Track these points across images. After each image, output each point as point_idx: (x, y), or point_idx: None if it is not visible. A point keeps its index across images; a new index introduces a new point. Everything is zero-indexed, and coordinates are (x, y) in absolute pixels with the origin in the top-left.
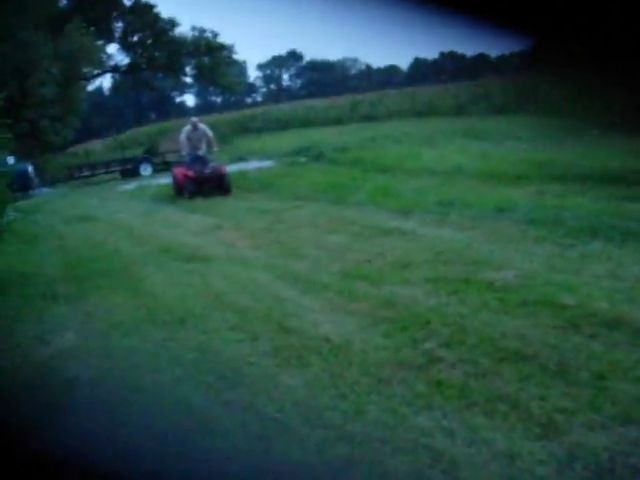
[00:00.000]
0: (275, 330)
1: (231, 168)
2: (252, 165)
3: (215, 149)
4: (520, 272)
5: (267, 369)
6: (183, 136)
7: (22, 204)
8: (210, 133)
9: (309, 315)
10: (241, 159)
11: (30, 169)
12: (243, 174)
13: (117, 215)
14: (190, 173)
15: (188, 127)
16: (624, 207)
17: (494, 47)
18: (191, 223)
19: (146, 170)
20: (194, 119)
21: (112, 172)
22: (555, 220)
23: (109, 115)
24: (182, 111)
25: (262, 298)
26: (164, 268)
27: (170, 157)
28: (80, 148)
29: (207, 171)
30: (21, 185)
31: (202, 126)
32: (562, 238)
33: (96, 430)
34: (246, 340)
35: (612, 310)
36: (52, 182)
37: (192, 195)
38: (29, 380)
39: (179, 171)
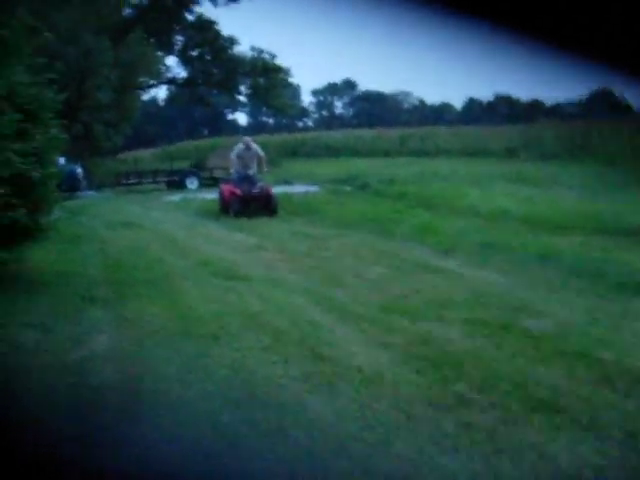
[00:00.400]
0: (308, 355)
1: (277, 190)
2: (298, 189)
3: (265, 170)
4: (559, 322)
5: (297, 393)
6: (234, 154)
7: (68, 204)
8: (262, 153)
9: (343, 344)
10: (287, 182)
11: (79, 171)
12: (288, 197)
13: (160, 225)
14: (237, 191)
15: (240, 145)
16: None
17: (550, 92)
18: (234, 240)
19: (192, 183)
20: (247, 138)
21: (159, 182)
22: (598, 273)
23: (161, 126)
24: (233, 129)
25: (298, 322)
26: (203, 282)
27: (217, 173)
28: (129, 155)
29: (255, 190)
30: (69, 186)
31: (254, 146)
32: (604, 292)
33: (119, 438)
34: (279, 362)
35: None
36: (99, 186)
37: (237, 214)
38: (58, 380)
39: (226, 188)
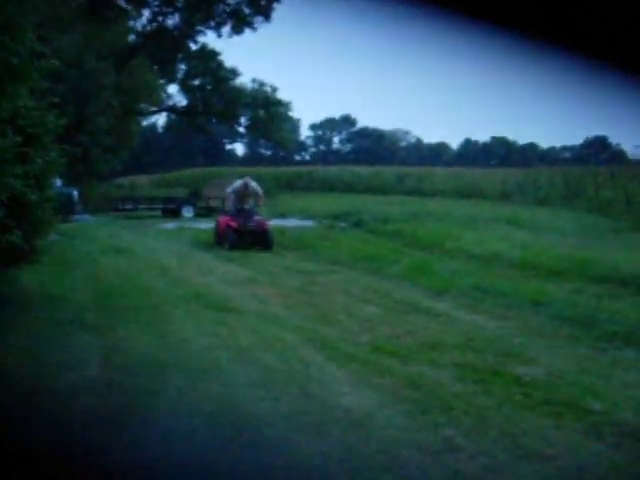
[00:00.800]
0: (297, 394)
1: (271, 223)
2: (292, 223)
3: (261, 204)
4: (549, 370)
5: (285, 432)
6: (231, 190)
7: (63, 228)
8: (260, 192)
9: (332, 384)
10: (282, 215)
11: (75, 194)
12: (282, 231)
13: (154, 253)
14: (233, 223)
15: (239, 184)
16: None
17: (546, 137)
18: (226, 273)
19: (188, 212)
20: (247, 179)
21: (154, 209)
22: (590, 321)
23: (159, 152)
24: (231, 159)
25: (288, 359)
26: (194, 313)
27: (213, 202)
28: (126, 180)
29: (251, 224)
30: (65, 209)
31: (253, 185)
32: (595, 341)
33: (100, 470)
34: (267, 399)
35: (637, 422)
36: (94, 210)
37: (232, 246)
38: (43, 407)
39: (222, 220)
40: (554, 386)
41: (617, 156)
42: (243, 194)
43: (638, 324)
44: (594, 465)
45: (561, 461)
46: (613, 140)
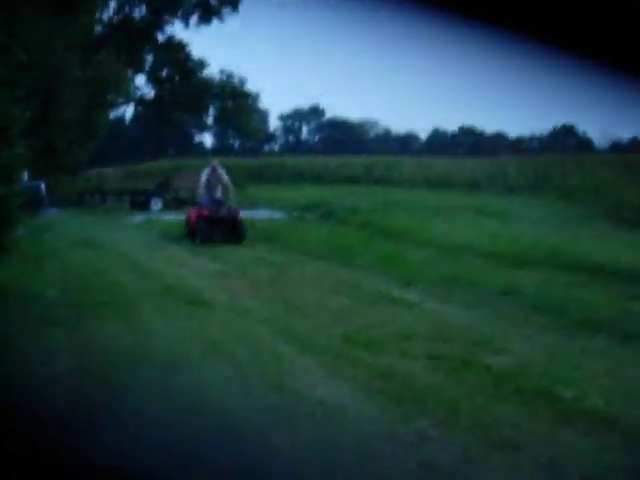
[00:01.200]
0: (269, 387)
1: (241, 215)
2: (262, 214)
3: (231, 196)
4: (519, 359)
5: (258, 426)
6: (204, 178)
7: (31, 222)
8: (226, 178)
9: (305, 376)
10: (252, 207)
11: (42, 187)
12: (252, 223)
13: (123, 246)
14: (205, 212)
15: (207, 169)
16: (631, 306)
17: (513, 125)
18: (196, 265)
19: (156, 204)
20: (214, 164)
21: (122, 201)
22: (560, 309)
23: (127, 144)
24: (200, 150)
25: (259, 352)
26: (165, 307)
27: (182, 194)
28: (93, 172)
29: (222, 212)
30: (32, 203)
31: (221, 171)
32: (565, 329)
33: (71, 465)
34: (239, 394)
35: (607, 410)
36: (62, 203)
37: (204, 239)
38: (14, 403)
39: (193, 212)
40: (525, 375)
41: (585, 144)
42: (212, 183)
43: (608, 312)
44: (564, 454)
45: (533, 450)
46: (580, 128)
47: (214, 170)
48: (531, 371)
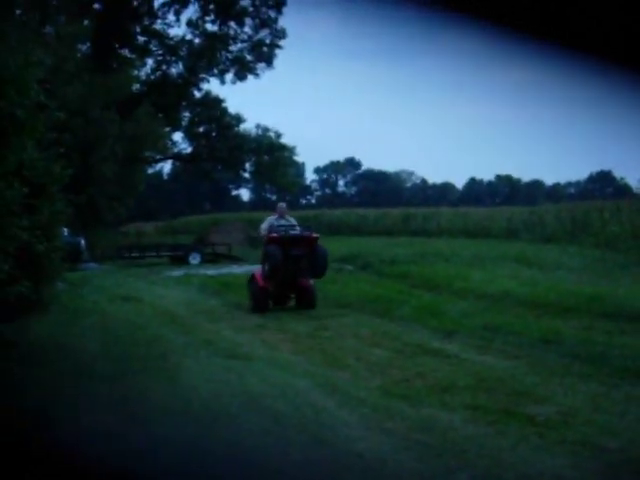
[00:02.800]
0: (309, 440)
1: None
2: None
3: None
4: (562, 408)
5: None
6: (265, 226)
7: (70, 276)
8: (295, 223)
9: (344, 429)
10: None
11: (82, 242)
12: None
13: (162, 300)
14: (274, 235)
15: (273, 218)
16: None
17: (549, 173)
18: (234, 318)
19: (195, 259)
20: (282, 206)
21: (161, 256)
22: (601, 357)
23: (165, 199)
24: (237, 204)
25: (299, 405)
26: (204, 361)
27: (219, 249)
28: (132, 227)
29: (294, 233)
30: (72, 258)
31: (291, 219)
32: (607, 377)
33: None
34: (279, 447)
35: None
36: (101, 258)
37: (275, 267)
38: (56, 457)
39: (257, 272)
40: (568, 425)
41: (622, 190)
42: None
43: None
44: None
45: None
46: (617, 174)
47: (281, 215)
48: (575, 421)
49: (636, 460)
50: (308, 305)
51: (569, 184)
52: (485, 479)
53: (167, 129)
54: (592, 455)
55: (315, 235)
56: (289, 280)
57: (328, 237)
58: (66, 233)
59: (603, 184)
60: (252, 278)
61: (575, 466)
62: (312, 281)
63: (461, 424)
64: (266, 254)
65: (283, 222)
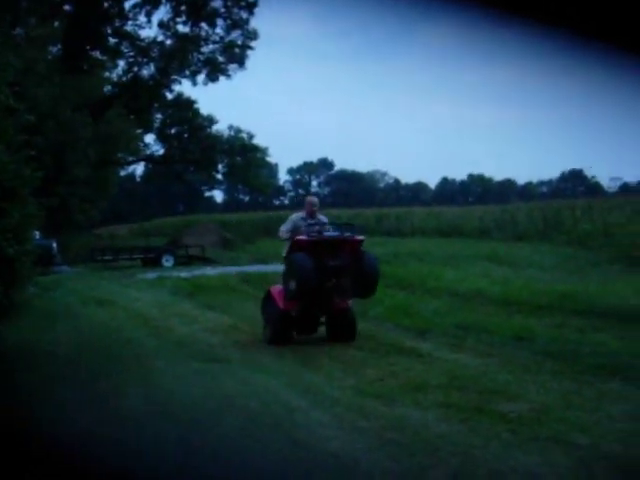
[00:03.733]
0: (284, 441)
1: (252, 269)
2: (273, 268)
3: None
4: (534, 406)
5: None
6: (287, 227)
7: (43, 280)
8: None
9: (318, 429)
10: (262, 261)
11: (54, 246)
12: (263, 276)
13: (135, 303)
14: (301, 238)
15: (299, 215)
16: None
17: (521, 172)
18: (208, 320)
19: (168, 261)
20: (314, 200)
21: (134, 259)
22: (574, 355)
23: (138, 202)
24: (210, 206)
25: (273, 406)
26: (178, 363)
27: (193, 251)
28: (105, 230)
29: (331, 234)
30: (44, 261)
31: (323, 218)
32: (580, 374)
33: None
34: (255, 447)
35: (625, 454)
36: (74, 261)
37: (307, 280)
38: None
39: (275, 288)
40: (540, 422)
41: (593, 188)
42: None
43: (622, 355)
44: None
45: None
46: (588, 173)
47: (310, 215)
48: (547, 417)
49: (607, 455)
50: (347, 335)
51: (541, 183)
52: (458, 477)
53: (139, 131)
54: (564, 451)
55: (359, 238)
56: (322, 301)
57: None
58: (38, 236)
59: (575, 183)
60: (268, 297)
61: (547, 462)
62: (351, 301)
63: (434, 422)
64: (291, 266)
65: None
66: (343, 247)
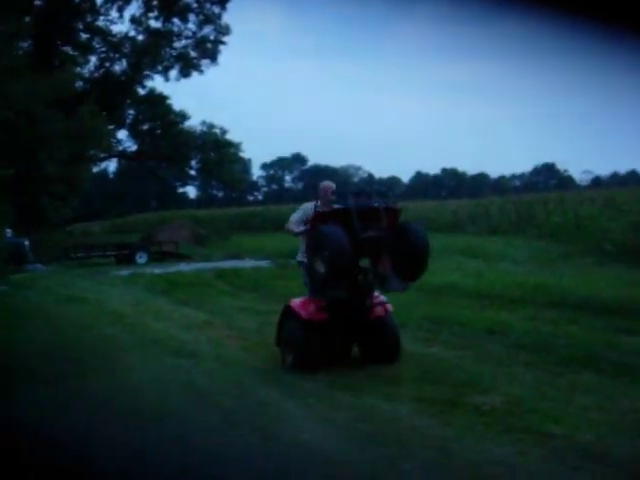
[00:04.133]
0: (258, 435)
1: (226, 264)
2: (247, 264)
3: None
4: (508, 397)
5: (249, 474)
6: (298, 216)
7: (15, 278)
8: None
9: (290, 421)
10: (237, 256)
11: (26, 243)
12: (237, 272)
13: (108, 300)
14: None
15: (312, 204)
16: (618, 339)
17: (494, 166)
18: (182, 316)
19: (142, 258)
20: (330, 185)
21: (108, 256)
22: (547, 347)
23: (110, 198)
24: (183, 202)
25: (246, 401)
26: (150, 360)
27: (167, 247)
28: (78, 227)
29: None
30: (16, 259)
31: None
32: (553, 365)
33: None
34: (229, 443)
35: (598, 443)
36: (47, 259)
37: (339, 271)
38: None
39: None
40: (514, 413)
41: (565, 182)
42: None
43: (594, 347)
44: None
45: None
46: (561, 167)
47: (326, 203)
48: (520, 409)
49: (580, 445)
50: (387, 353)
51: (514, 177)
52: (430, 469)
53: (111, 127)
54: (537, 442)
55: (397, 207)
56: (357, 295)
57: (275, 233)
58: (10, 234)
59: (547, 176)
60: (287, 312)
61: (521, 453)
62: (389, 305)
63: (406, 415)
64: (318, 241)
65: None
66: (378, 218)
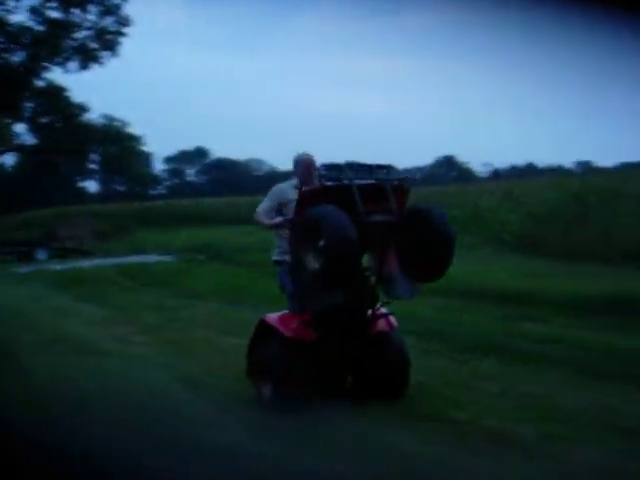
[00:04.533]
0: (167, 433)
1: (129, 260)
2: (151, 259)
3: None
4: (413, 384)
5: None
6: (267, 205)
7: None
8: None
9: (201, 419)
10: (141, 252)
11: None
12: (141, 267)
13: (8, 298)
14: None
15: (288, 184)
16: (517, 327)
17: (395, 159)
18: (85, 313)
19: (42, 254)
20: (308, 158)
21: (6, 253)
22: (452, 335)
23: (8, 193)
24: (84, 197)
25: (153, 398)
26: (54, 358)
27: (69, 243)
28: None
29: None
30: None
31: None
32: (457, 353)
33: None
34: (137, 443)
35: (500, 428)
36: None
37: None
38: None
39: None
40: (420, 401)
41: (465, 174)
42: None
43: (496, 335)
44: (462, 475)
45: (430, 475)
46: (461, 159)
47: (306, 181)
48: (424, 396)
49: (483, 430)
50: (394, 387)
51: (417, 169)
52: (329, 455)
53: (8, 121)
54: (442, 427)
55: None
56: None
57: (178, 228)
58: None
59: (448, 169)
60: (261, 331)
61: (427, 440)
62: (393, 319)
63: (316, 405)
64: (309, 228)
65: None
66: (385, 198)
